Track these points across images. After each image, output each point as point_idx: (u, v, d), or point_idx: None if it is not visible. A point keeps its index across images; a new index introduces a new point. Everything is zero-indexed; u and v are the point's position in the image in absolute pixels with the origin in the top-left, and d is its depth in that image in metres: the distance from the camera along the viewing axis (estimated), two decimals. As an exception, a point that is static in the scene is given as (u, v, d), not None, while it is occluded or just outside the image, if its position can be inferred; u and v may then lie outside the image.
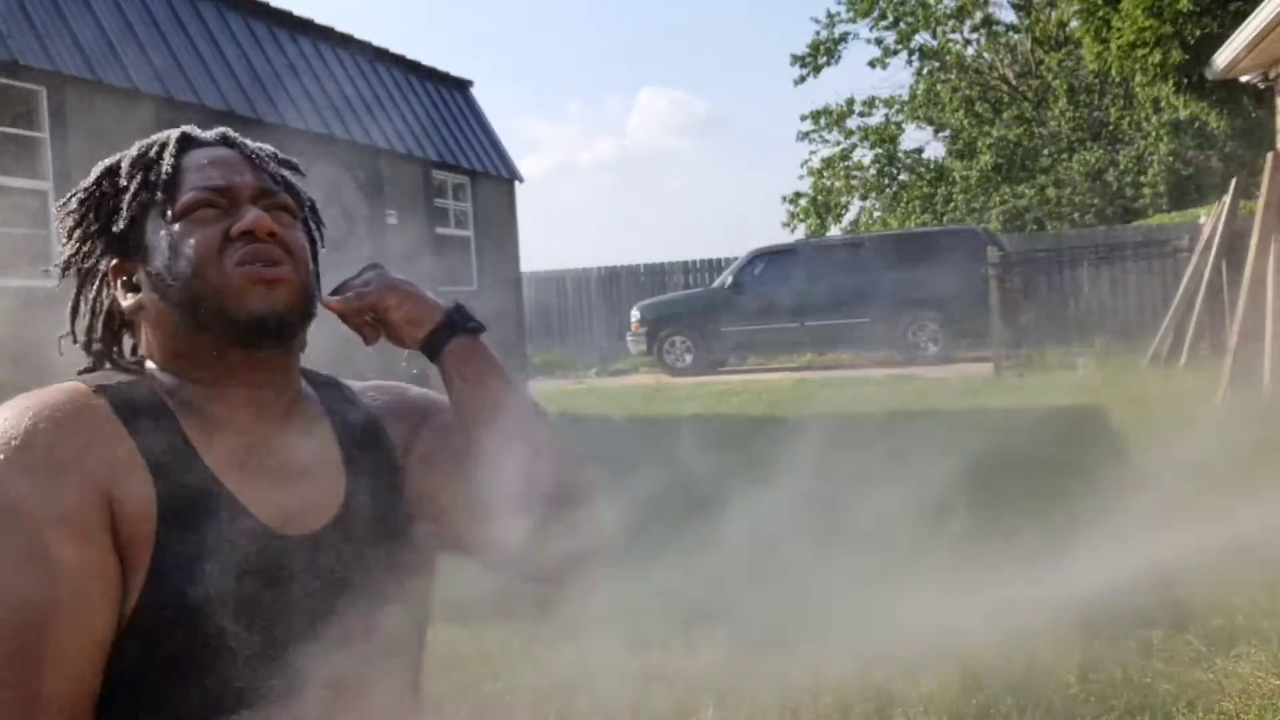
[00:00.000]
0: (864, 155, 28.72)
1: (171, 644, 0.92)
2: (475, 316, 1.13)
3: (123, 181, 1.05)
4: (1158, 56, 13.61)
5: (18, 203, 6.69)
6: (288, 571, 0.98)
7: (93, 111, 7.06)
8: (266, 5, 9.42)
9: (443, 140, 11.56)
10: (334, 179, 8.70)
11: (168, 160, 1.05)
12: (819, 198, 28.71)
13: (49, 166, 6.83)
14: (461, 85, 12.65)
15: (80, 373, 1.06)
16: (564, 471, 1.09)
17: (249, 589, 0.94)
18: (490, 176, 12.42)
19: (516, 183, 13.09)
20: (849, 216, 29.14)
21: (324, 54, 10.10)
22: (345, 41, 10.50)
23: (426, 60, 11.76)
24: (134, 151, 1.07)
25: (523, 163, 35.78)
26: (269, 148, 1.13)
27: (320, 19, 10.36)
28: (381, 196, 10.08)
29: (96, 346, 1.09)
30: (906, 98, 28.15)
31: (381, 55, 11.05)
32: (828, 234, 27.02)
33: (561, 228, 51.67)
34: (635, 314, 16.30)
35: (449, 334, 1.10)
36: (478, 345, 1.12)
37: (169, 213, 1.02)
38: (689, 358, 15.77)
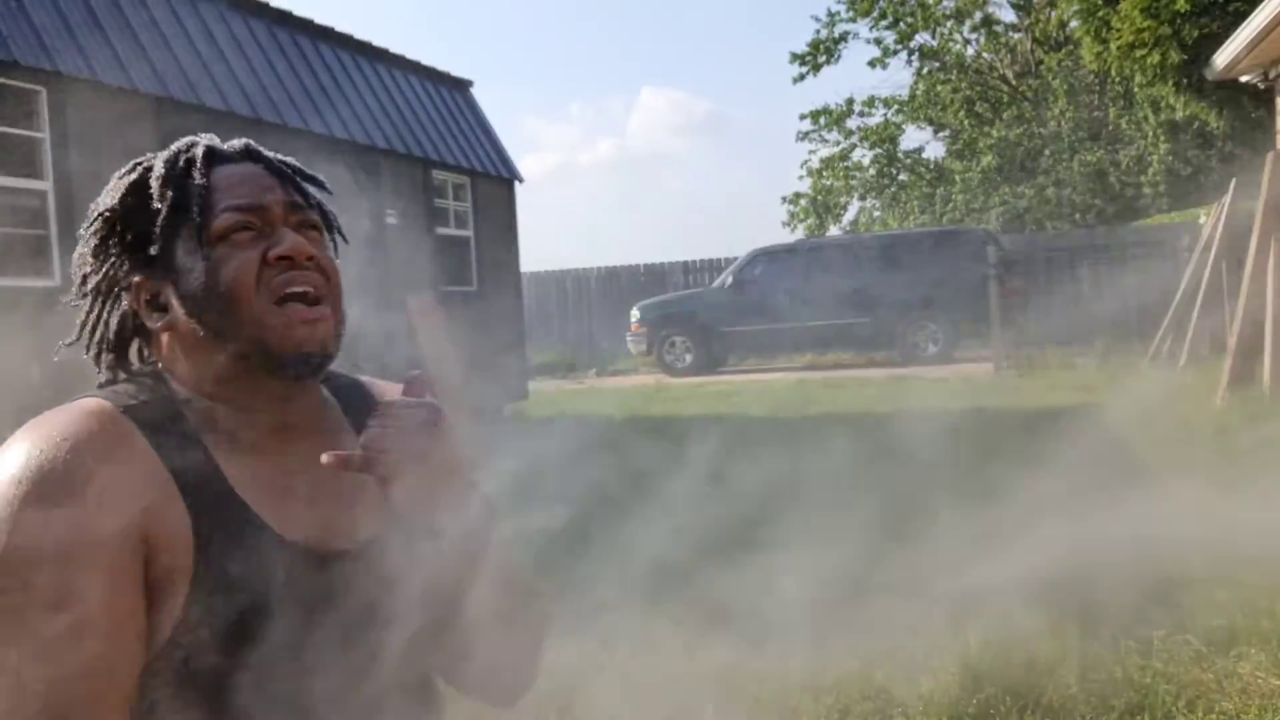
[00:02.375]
0: (864, 155, 28.73)
1: (207, 669, 0.91)
2: (494, 512, 1.02)
3: (155, 203, 1.02)
4: (1156, 58, 13.62)
5: (18, 203, 6.69)
6: (321, 595, 0.97)
7: (93, 111, 7.06)
8: (266, 5, 9.42)
9: (443, 140, 11.56)
10: (334, 179, 8.68)
11: (198, 179, 1.02)
12: (819, 198, 28.70)
13: (49, 166, 6.83)
14: (461, 85, 12.65)
15: (100, 386, 1.04)
16: (527, 653, 1.13)
17: (284, 614, 0.94)
18: (490, 176, 12.42)
19: (516, 183, 13.09)
20: (848, 216, 29.15)
21: (324, 54, 10.11)
22: (345, 41, 10.50)
23: (426, 60, 11.77)
24: (160, 168, 1.04)
25: (523, 163, 35.83)
26: (292, 161, 1.11)
27: (320, 19, 10.37)
28: (381, 196, 10.08)
29: (109, 358, 1.08)
30: (906, 98, 28.14)
31: (382, 55, 11.05)
32: (827, 234, 27.01)
33: (561, 228, 51.64)
34: (635, 314, 16.30)
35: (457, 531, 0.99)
36: (488, 545, 1.02)
37: (203, 234, 1.00)
38: (689, 358, 15.76)
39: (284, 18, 9.64)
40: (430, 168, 11.22)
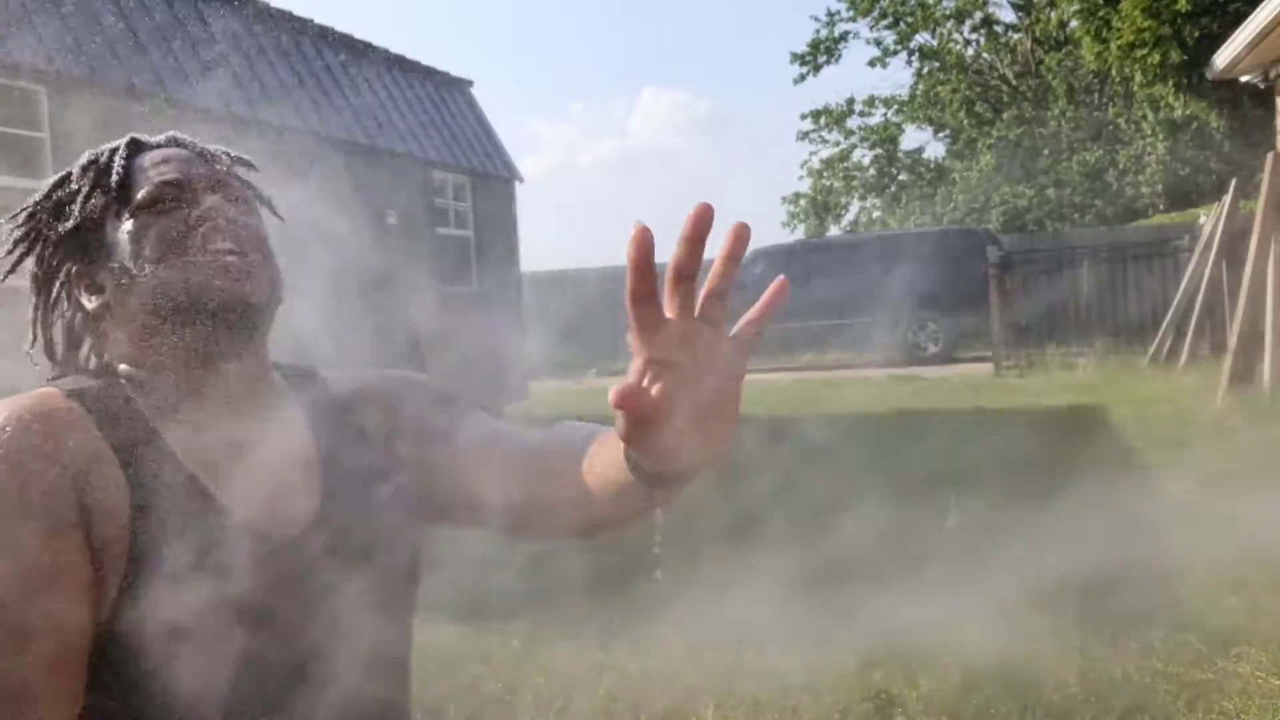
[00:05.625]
0: (864, 155, 28.75)
1: (149, 650, 0.91)
2: None
3: (74, 186, 1.06)
4: (1156, 57, 13.63)
5: (18, 203, 6.70)
6: (269, 573, 0.97)
7: (93, 111, 7.07)
8: (267, 6, 9.43)
9: (443, 140, 11.56)
10: (334, 179, 8.70)
11: (119, 162, 1.05)
12: (819, 198, 28.71)
13: (49, 166, 6.83)
14: (461, 85, 12.65)
15: (50, 380, 1.05)
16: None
17: (228, 591, 0.94)
18: (490, 176, 12.43)
19: (516, 183, 13.09)
20: (848, 217, 29.16)
21: (324, 55, 10.11)
22: (345, 42, 10.51)
23: (426, 60, 11.77)
24: (84, 159, 1.08)
25: (523, 163, 35.79)
26: (220, 146, 1.13)
27: (320, 20, 10.37)
28: (382, 196, 10.08)
29: (60, 353, 1.09)
30: (906, 98, 28.15)
31: (382, 55, 11.05)
32: (827, 234, 27.01)
33: (561, 228, 51.62)
34: (635, 314, 16.28)
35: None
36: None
37: (126, 211, 1.03)
38: (689, 358, 15.74)
39: (284, 18, 9.64)
40: (430, 168, 11.22)
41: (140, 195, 1.03)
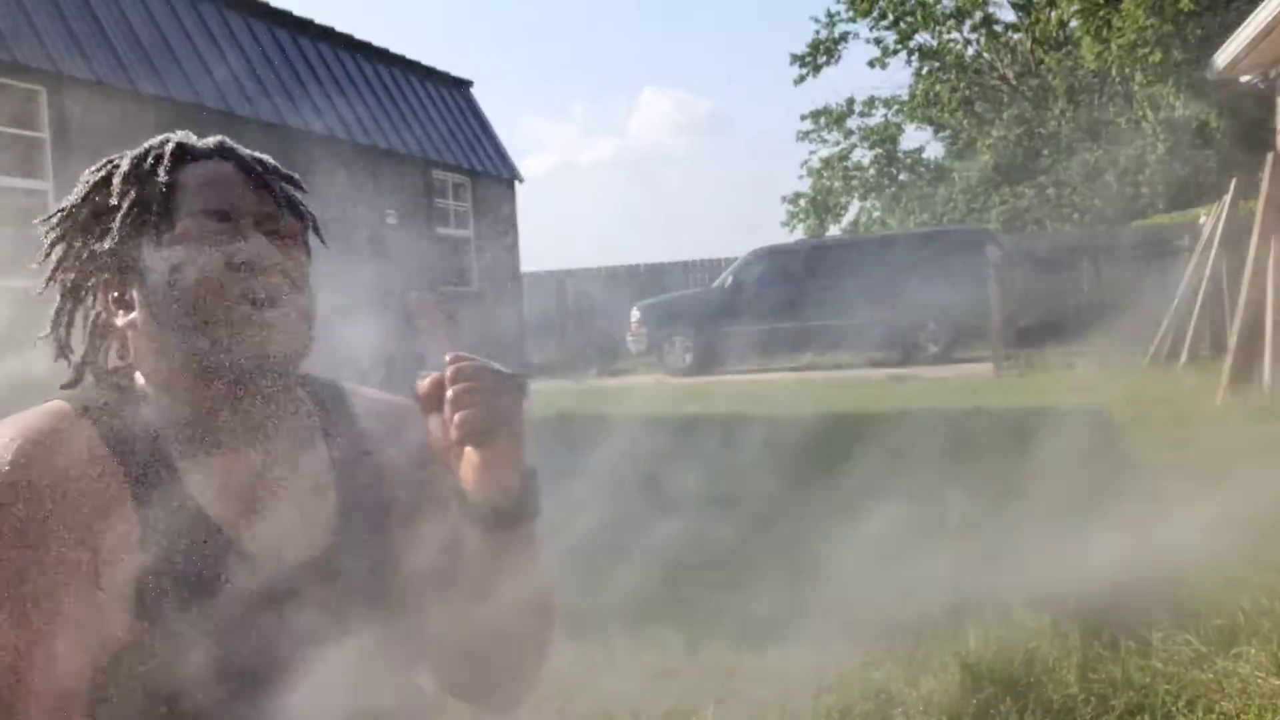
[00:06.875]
0: (864, 155, 28.73)
1: (156, 678, 0.89)
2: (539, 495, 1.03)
3: (114, 200, 1.01)
4: (1159, 55, 13.64)
5: (18, 203, 6.69)
6: (275, 603, 0.95)
7: (93, 111, 7.06)
8: (267, 6, 9.43)
9: (443, 140, 11.56)
10: (334, 179, 8.70)
11: (162, 177, 1.00)
12: (818, 198, 28.69)
13: (49, 166, 6.83)
14: (461, 85, 12.65)
15: (63, 386, 1.03)
16: (533, 665, 1.11)
17: (233, 620, 0.92)
18: (490, 176, 12.43)
19: (516, 183, 13.09)
20: (848, 217, 29.13)
21: (324, 54, 10.11)
22: (345, 42, 10.50)
23: (426, 60, 11.77)
24: (126, 165, 1.02)
25: (523, 163, 35.77)
26: (269, 159, 1.07)
27: (321, 19, 10.37)
28: (381, 196, 10.08)
29: (80, 355, 1.06)
30: (906, 98, 28.14)
31: (382, 55, 11.05)
32: (827, 234, 27.01)
33: (561, 228, 51.59)
34: (635, 314, 16.29)
35: (518, 516, 0.99)
36: (533, 535, 1.02)
37: (167, 234, 0.98)
38: (689, 358, 15.75)
39: (284, 18, 9.64)
40: (430, 168, 11.22)
41: (181, 227, 0.98)
